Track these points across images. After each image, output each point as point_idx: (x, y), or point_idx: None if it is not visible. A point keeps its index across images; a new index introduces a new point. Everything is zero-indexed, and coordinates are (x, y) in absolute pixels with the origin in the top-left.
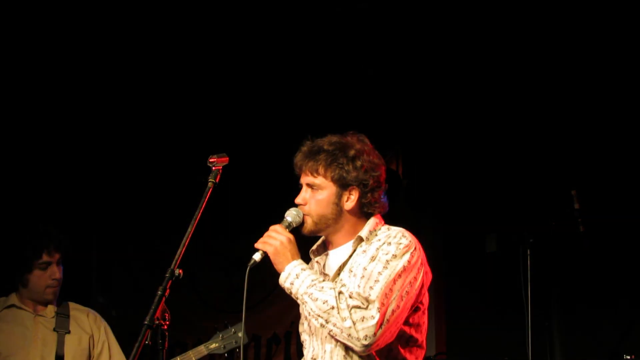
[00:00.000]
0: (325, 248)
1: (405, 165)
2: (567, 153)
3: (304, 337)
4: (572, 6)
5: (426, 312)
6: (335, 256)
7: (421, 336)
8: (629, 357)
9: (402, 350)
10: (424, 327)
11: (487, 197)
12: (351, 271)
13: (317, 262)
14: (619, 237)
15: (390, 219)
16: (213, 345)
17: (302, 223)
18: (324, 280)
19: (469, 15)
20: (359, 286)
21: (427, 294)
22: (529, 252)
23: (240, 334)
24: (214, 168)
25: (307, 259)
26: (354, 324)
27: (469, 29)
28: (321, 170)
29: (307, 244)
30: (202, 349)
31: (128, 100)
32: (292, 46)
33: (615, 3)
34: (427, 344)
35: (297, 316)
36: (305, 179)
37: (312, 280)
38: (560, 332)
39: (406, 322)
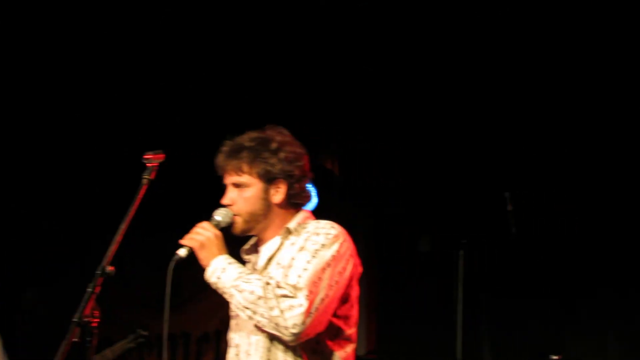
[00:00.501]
0: (256, 246)
1: (342, 164)
2: (501, 155)
3: (231, 335)
4: (503, 14)
5: (355, 305)
6: (265, 251)
7: (350, 329)
8: (555, 358)
9: (329, 343)
10: (353, 320)
11: (422, 197)
12: (279, 263)
13: (248, 260)
14: (551, 239)
15: (325, 217)
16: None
17: (232, 223)
18: (251, 273)
19: (400, 22)
20: (286, 275)
21: (356, 287)
22: (462, 253)
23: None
24: (149, 165)
25: (238, 260)
26: (282, 312)
27: (400, 33)
28: (245, 167)
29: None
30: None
31: (58, 95)
32: (222, 44)
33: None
34: (358, 343)
35: (228, 314)
36: (230, 179)
37: (239, 273)
38: (490, 332)
39: (334, 314)
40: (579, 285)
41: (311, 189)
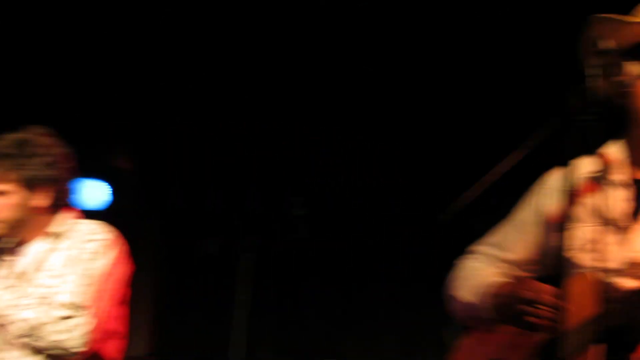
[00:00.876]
0: (17, 247)
1: (136, 163)
2: (290, 159)
3: None
4: None
5: (126, 304)
6: (30, 255)
7: (123, 329)
8: None
9: (105, 345)
10: (125, 319)
11: (211, 199)
12: (50, 271)
13: (5, 260)
14: (337, 241)
15: (116, 216)
16: None
17: None
18: (20, 289)
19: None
20: (65, 292)
21: (129, 287)
22: (249, 255)
23: None
24: None
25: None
26: (65, 334)
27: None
28: (5, 175)
29: None
30: None
31: None
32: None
33: None
34: (138, 344)
35: None
36: None
37: (13, 299)
38: (275, 332)
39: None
40: (361, 288)
41: (104, 187)
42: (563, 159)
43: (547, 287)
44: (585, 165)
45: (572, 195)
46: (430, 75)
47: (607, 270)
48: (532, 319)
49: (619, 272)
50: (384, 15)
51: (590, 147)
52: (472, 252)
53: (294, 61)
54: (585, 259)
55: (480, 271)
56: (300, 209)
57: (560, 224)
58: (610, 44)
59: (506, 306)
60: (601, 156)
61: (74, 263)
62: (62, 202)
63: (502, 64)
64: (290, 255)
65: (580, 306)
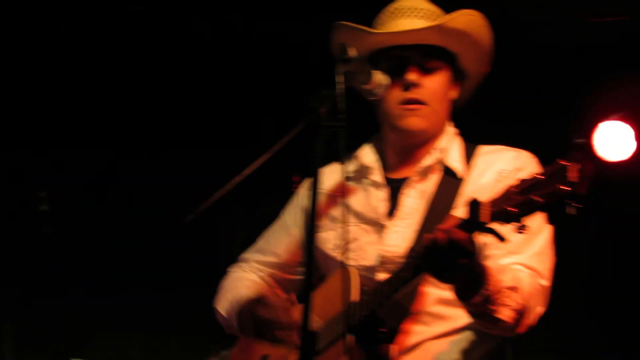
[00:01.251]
0: None
1: None
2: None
3: None
4: None
5: None
6: None
7: None
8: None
9: None
10: None
11: None
12: None
13: None
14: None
15: None
16: None
17: None
18: None
19: None
20: None
21: None
22: None
23: None
24: None
25: None
26: None
27: None
28: None
29: None
30: None
31: None
32: None
33: None
34: None
35: None
36: None
37: None
38: (14, 332)
39: None
40: (108, 287)
41: None
42: (314, 163)
43: (282, 304)
44: (340, 168)
45: (329, 197)
46: (181, 76)
47: (362, 267)
48: (274, 335)
49: (373, 267)
50: None
51: (340, 151)
52: (242, 260)
53: None
54: (341, 257)
55: (238, 283)
56: (44, 205)
57: (313, 225)
58: (357, 52)
59: (248, 325)
60: (356, 158)
61: None
62: None
63: (251, 68)
64: (35, 253)
65: (336, 301)
